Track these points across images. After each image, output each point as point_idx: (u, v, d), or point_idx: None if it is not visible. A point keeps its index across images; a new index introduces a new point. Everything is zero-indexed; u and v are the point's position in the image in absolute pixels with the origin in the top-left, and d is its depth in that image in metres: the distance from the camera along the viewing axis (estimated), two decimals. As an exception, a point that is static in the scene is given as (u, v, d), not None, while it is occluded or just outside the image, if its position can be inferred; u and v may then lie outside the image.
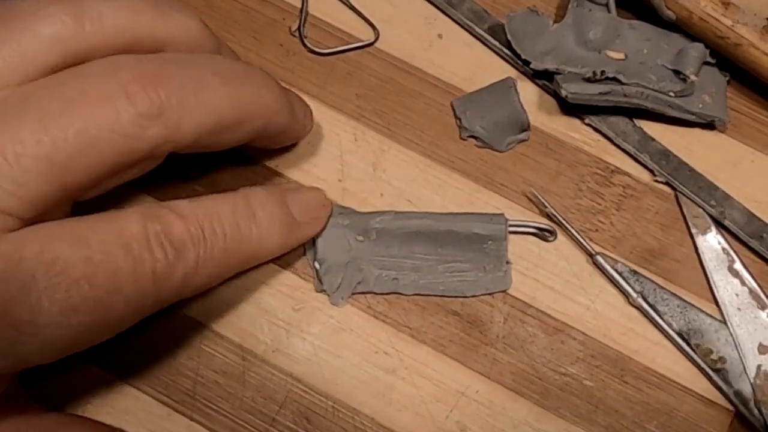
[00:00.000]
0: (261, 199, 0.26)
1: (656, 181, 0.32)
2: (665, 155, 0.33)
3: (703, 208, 0.32)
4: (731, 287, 0.31)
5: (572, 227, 0.31)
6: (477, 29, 0.34)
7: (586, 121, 0.33)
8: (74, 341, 0.21)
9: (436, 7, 0.35)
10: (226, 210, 0.25)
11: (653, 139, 0.33)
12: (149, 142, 0.22)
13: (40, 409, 0.25)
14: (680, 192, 0.32)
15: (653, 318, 0.30)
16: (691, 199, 0.32)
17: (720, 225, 0.32)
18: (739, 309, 0.30)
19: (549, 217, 0.31)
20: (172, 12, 0.25)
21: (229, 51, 0.30)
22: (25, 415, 0.24)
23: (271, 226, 0.26)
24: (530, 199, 0.32)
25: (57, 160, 0.20)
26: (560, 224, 0.31)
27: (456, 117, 0.33)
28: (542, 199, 0.31)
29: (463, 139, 0.33)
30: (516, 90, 0.33)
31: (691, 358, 0.30)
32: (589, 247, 0.31)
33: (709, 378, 0.30)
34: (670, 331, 0.30)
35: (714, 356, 0.30)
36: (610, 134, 0.33)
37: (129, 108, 0.21)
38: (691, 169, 0.32)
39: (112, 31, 0.23)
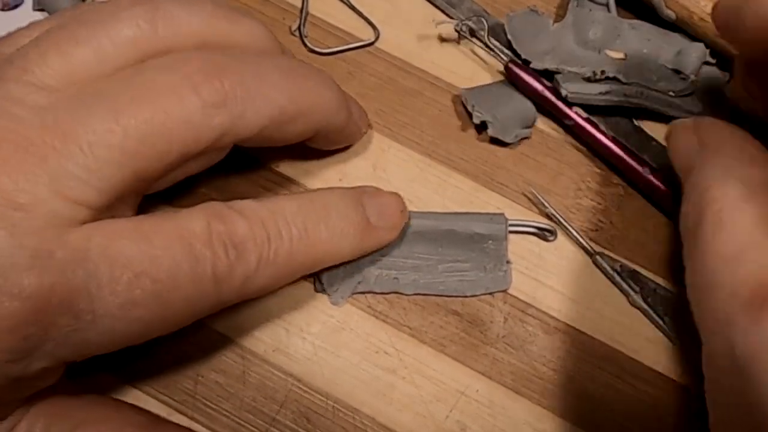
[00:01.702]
0: (336, 200, 0.26)
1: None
2: (665, 155, 0.32)
3: None
4: None
5: (572, 227, 0.31)
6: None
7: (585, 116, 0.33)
8: (131, 334, 0.22)
9: (436, 7, 0.35)
10: (293, 211, 0.25)
11: (653, 140, 0.33)
12: (215, 130, 0.23)
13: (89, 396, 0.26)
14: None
15: (653, 318, 0.30)
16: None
17: None
18: None
19: (549, 217, 0.32)
20: (242, 18, 0.26)
21: (292, 55, 0.31)
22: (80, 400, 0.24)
23: (345, 230, 0.26)
24: (530, 199, 0.32)
25: (127, 148, 0.21)
26: (560, 224, 0.31)
27: (465, 106, 0.33)
28: (542, 199, 0.31)
29: (476, 125, 0.32)
30: (512, 84, 0.33)
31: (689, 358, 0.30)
32: (589, 247, 0.31)
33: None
34: (670, 331, 0.30)
35: None
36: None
37: (194, 97, 0.22)
38: None
39: (186, 35, 0.24)
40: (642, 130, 0.33)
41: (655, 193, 0.31)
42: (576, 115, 0.32)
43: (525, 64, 0.33)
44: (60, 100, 0.21)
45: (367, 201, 0.28)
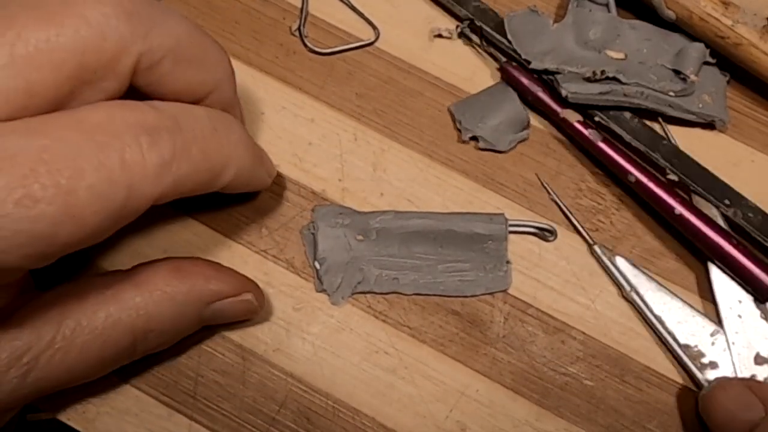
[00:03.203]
0: (234, 121, 0.26)
1: (668, 179, 0.32)
2: (676, 154, 0.32)
3: (717, 207, 0.31)
4: (734, 293, 0.30)
5: (573, 216, 0.31)
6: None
7: (596, 119, 0.33)
8: (43, 237, 0.20)
9: (441, 5, 0.35)
10: (201, 114, 0.24)
11: (664, 138, 0.33)
12: (115, 44, 0.21)
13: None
14: (693, 191, 0.32)
15: (645, 314, 0.30)
16: (704, 198, 0.32)
17: (732, 224, 0.31)
18: (739, 316, 0.30)
19: (553, 202, 0.32)
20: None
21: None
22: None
23: (247, 142, 0.26)
24: (533, 187, 0.32)
25: (18, 54, 0.20)
26: (562, 211, 0.31)
27: (455, 121, 0.33)
28: (546, 186, 0.31)
29: (464, 142, 0.32)
30: (509, 85, 0.33)
31: (679, 357, 0.30)
32: (588, 238, 0.31)
33: (692, 377, 0.30)
34: (661, 328, 0.30)
35: (705, 360, 0.30)
36: (621, 132, 0.32)
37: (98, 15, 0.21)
38: (703, 168, 0.32)
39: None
40: (652, 129, 0.33)
41: (651, 198, 0.31)
42: (574, 120, 0.32)
43: (525, 64, 0.33)
44: None
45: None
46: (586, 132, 0.32)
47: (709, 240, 0.30)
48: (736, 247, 0.30)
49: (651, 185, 0.31)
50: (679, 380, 0.30)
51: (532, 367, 0.30)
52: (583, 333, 0.30)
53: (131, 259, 0.30)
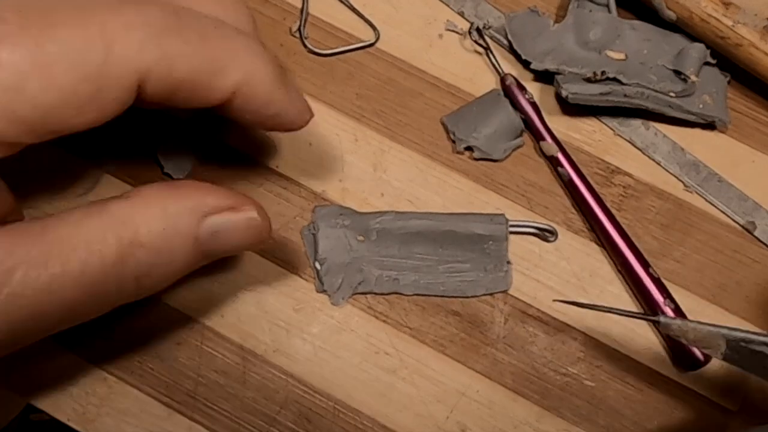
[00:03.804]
0: (246, 27, 0.25)
1: (686, 190, 0.33)
2: (695, 166, 0.33)
3: (732, 219, 0.32)
4: None
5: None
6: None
7: (617, 132, 0.33)
8: (9, 88, 0.19)
9: (446, 4, 0.35)
10: (205, 12, 0.23)
11: (683, 149, 0.33)
12: None
13: None
14: (710, 202, 0.32)
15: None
16: (721, 210, 0.32)
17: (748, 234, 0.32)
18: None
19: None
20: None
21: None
22: None
23: (255, 52, 0.24)
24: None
25: None
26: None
27: (448, 132, 0.33)
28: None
29: (459, 153, 0.32)
30: (506, 96, 0.33)
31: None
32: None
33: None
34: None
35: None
36: (639, 144, 0.33)
37: None
38: (721, 179, 0.32)
39: None
40: (672, 141, 0.33)
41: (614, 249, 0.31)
42: (549, 154, 0.32)
43: (525, 65, 0.33)
44: None
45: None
46: (557, 168, 0.32)
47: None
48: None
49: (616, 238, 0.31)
50: (679, 380, 0.30)
51: (533, 367, 0.30)
52: (583, 333, 0.30)
53: (131, 259, 0.30)
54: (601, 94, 0.32)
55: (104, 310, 0.22)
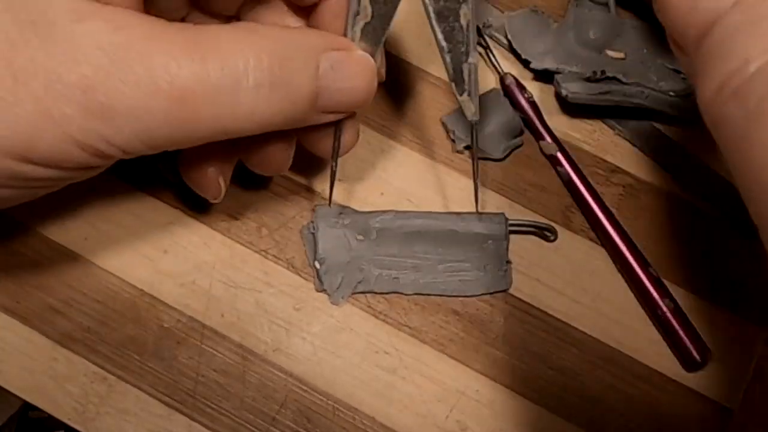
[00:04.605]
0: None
1: (686, 190, 0.33)
2: (705, 170, 0.33)
3: (733, 221, 0.32)
4: None
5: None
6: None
7: (617, 131, 0.33)
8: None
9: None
10: None
11: (677, 144, 0.33)
12: None
13: None
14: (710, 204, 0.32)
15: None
16: (721, 212, 0.32)
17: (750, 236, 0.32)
18: None
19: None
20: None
21: None
22: None
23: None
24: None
25: None
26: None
27: (448, 132, 0.33)
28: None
29: (459, 152, 0.32)
30: (505, 96, 0.33)
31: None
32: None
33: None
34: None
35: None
36: (639, 144, 0.33)
37: None
38: (724, 182, 0.32)
39: None
40: (663, 133, 0.33)
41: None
42: (549, 153, 0.32)
43: (525, 65, 0.33)
44: None
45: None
46: (556, 167, 0.32)
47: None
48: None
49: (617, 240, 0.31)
50: (679, 380, 0.30)
51: (532, 367, 0.30)
52: (583, 333, 0.30)
53: (131, 259, 0.30)
54: (601, 93, 0.32)
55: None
